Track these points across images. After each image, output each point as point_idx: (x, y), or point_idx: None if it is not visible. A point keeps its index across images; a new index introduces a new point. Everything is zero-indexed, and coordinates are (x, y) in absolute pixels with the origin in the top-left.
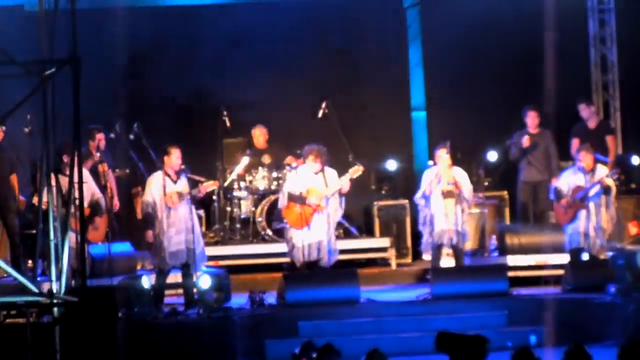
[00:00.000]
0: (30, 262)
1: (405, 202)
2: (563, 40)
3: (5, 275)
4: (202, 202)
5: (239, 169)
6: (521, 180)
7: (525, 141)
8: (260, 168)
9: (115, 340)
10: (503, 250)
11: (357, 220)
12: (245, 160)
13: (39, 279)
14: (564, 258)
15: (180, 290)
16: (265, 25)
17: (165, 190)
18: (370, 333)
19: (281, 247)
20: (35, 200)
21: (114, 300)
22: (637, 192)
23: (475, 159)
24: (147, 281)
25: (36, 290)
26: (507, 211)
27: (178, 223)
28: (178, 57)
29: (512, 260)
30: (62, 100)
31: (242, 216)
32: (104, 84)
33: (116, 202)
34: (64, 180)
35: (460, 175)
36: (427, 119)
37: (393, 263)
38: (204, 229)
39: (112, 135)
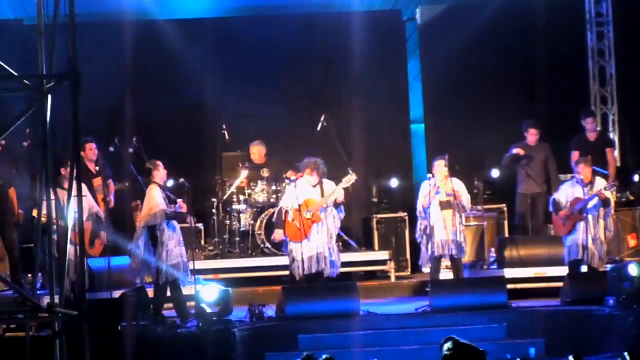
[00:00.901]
0: (29, 275)
1: (404, 214)
2: (561, 53)
3: (4, 288)
4: (201, 216)
5: (238, 182)
6: (519, 192)
7: (518, 151)
8: (259, 181)
9: (116, 353)
10: (502, 262)
11: (356, 233)
12: (244, 174)
13: (38, 292)
14: (563, 270)
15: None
16: (264, 39)
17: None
18: (370, 346)
19: (280, 260)
20: (34, 213)
21: (114, 313)
22: (636, 205)
23: (473, 171)
24: (147, 294)
25: (36, 304)
26: (505, 224)
27: (175, 235)
28: (177, 70)
29: (511, 272)
30: (61, 114)
31: (242, 229)
32: (104, 98)
33: (110, 199)
34: (63, 194)
35: (458, 185)
36: (426, 131)
37: (392, 276)
38: (202, 242)
39: (112, 149)
